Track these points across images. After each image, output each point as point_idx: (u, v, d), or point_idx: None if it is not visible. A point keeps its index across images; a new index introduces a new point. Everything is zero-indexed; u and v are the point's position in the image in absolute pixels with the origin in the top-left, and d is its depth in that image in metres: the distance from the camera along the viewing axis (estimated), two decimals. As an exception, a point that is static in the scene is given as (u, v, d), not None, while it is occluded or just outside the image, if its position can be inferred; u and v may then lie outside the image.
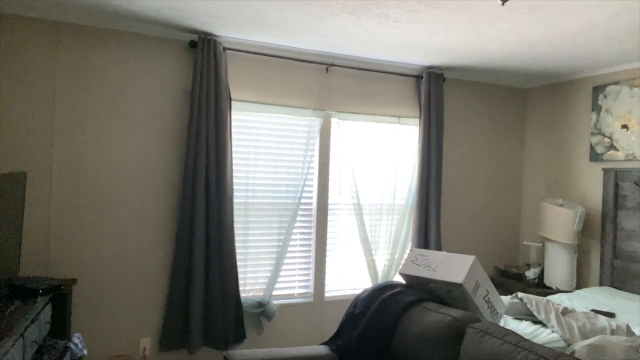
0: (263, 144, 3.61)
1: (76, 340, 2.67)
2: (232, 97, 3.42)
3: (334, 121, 3.84)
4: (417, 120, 4.07)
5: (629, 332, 2.56)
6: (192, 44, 3.30)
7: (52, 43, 3.04)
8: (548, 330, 2.64)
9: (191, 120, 3.24)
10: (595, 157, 3.93)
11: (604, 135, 3.87)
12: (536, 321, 2.76)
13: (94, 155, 3.16)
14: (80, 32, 3.11)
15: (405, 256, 2.70)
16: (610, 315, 2.92)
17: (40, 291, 2.50)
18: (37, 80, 3.02)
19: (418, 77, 4.06)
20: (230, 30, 3.22)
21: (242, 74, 3.52)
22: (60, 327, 2.80)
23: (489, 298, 2.41)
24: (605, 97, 3.87)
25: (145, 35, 3.27)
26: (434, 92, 4.00)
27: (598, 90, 3.92)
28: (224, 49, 3.35)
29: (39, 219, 3.03)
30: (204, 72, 3.26)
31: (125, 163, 3.24)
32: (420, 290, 2.41)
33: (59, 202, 3.08)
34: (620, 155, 3.73)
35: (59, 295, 2.79)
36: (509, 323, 2.75)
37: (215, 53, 3.29)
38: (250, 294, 3.56)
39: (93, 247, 3.16)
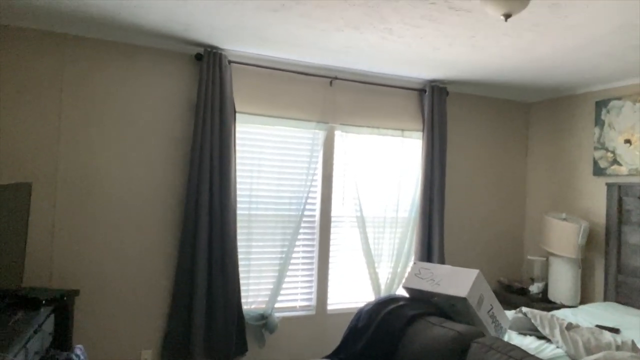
0: (267, 156, 3.63)
1: (78, 352, 2.66)
2: (237, 109, 3.45)
3: (338, 134, 3.86)
4: (420, 134, 4.09)
5: (634, 347, 2.54)
6: (198, 57, 3.34)
7: (58, 55, 3.08)
8: (553, 346, 2.62)
9: (196, 132, 3.26)
10: (598, 171, 3.93)
11: (607, 150, 3.87)
12: (540, 336, 2.74)
13: (99, 166, 3.18)
14: (86, 44, 3.15)
15: (409, 269, 2.69)
16: (615, 330, 2.90)
17: (44, 302, 2.50)
18: (44, 91, 3.05)
19: (421, 91, 4.09)
20: (235, 43, 3.25)
21: (247, 86, 3.55)
22: (63, 338, 2.79)
23: (493, 312, 2.40)
24: (608, 112, 3.88)
25: (151, 48, 3.31)
26: (437, 105, 4.02)
27: (601, 105, 3.94)
28: (229, 62, 3.39)
29: (43, 229, 3.04)
30: (209, 85, 3.29)
31: (130, 175, 3.26)
32: (424, 304, 2.40)
33: (64, 213, 3.09)
34: (623, 170, 3.74)
35: (62, 306, 2.79)
36: (513, 338, 2.73)
37: (220, 66, 3.32)
38: (252, 306, 3.55)
39: (96, 259, 3.16)
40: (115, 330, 3.20)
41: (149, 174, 3.31)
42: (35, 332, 2.26)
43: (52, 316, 2.62)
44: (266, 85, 3.61)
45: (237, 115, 3.45)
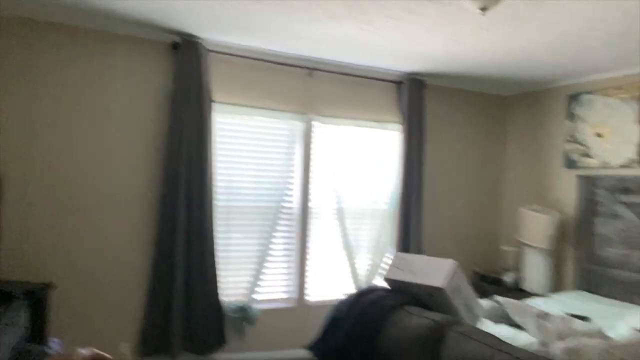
0: (245, 147, 3.60)
1: (53, 345, 2.61)
2: (215, 99, 3.41)
3: (316, 125, 3.86)
4: (399, 126, 4.12)
5: (603, 335, 2.63)
6: (175, 46, 3.28)
7: (30, 42, 2.99)
8: (525, 333, 2.69)
9: (172, 122, 3.22)
10: (570, 164, 4.04)
11: (578, 143, 3.97)
12: (514, 324, 2.81)
13: (72, 157, 3.11)
14: (59, 31, 3.06)
15: (389, 261, 2.73)
16: (586, 319, 2.99)
17: (17, 295, 2.44)
18: (14, 81, 2.96)
19: (399, 83, 4.11)
20: (213, 32, 3.21)
21: (225, 76, 3.51)
22: (38, 331, 2.74)
23: (468, 302, 2.45)
24: (580, 105, 3.98)
25: (127, 36, 3.24)
26: (415, 98, 4.05)
27: (573, 99, 4.03)
28: (207, 50, 3.34)
29: (16, 222, 2.96)
30: (186, 74, 3.24)
31: (105, 165, 3.20)
32: (402, 295, 2.43)
33: (37, 206, 3.02)
34: (594, 162, 3.84)
35: (37, 299, 2.73)
36: (488, 326, 2.79)
37: (197, 55, 3.27)
38: (231, 299, 3.54)
39: (71, 252, 3.10)
40: (92, 323, 3.15)
41: (124, 164, 3.25)
42: (9, 325, 2.21)
43: (27, 310, 2.56)
44: (244, 75, 3.57)
45: (215, 105, 3.41)
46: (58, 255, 3.07)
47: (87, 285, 3.14)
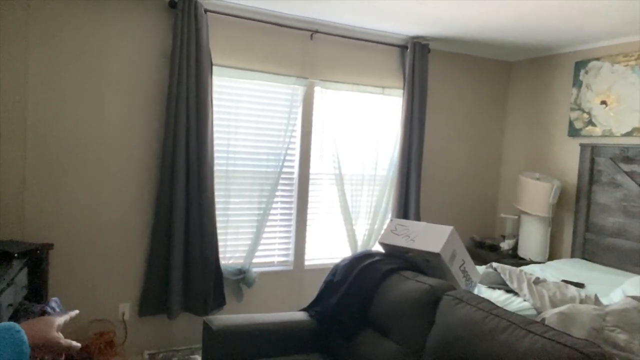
0: (245, 111, 3.55)
1: (53, 304, 2.65)
2: (214, 61, 3.34)
3: (317, 90, 3.80)
4: (400, 91, 4.05)
5: (597, 301, 2.66)
6: (172, 5, 3.19)
7: (24, 2, 2.90)
8: (520, 299, 2.73)
9: (171, 84, 3.16)
10: (573, 132, 3.99)
11: (583, 111, 3.92)
12: (509, 290, 2.84)
13: (70, 117, 3.07)
14: (54, -12, 2.97)
15: (385, 226, 2.73)
16: (580, 285, 3.02)
17: (16, 255, 2.46)
18: (9, 40, 2.89)
19: (403, 48, 4.02)
20: (212, -9, 3.11)
21: (224, 38, 3.43)
22: (37, 291, 2.78)
23: (464, 267, 2.46)
24: (586, 72, 3.90)
25: (123, -6, 3.15)
26: (418, 63, 3.97)
27: (580, 65, 3.95)
28: (206, 10, 3.25)
29: (13, 182, 2.96)
30: (184, 35, 3.16)
31: (103, 126, 3.16)
32: (398, 259, 2.44)
33: (35, 165, 3.00)
34: (597, 131, 3.80)
35: (35, 259, 2.76)
36: (483, 292, 2.83)
37: (196, 15, 3.18)
38: (230, 261, 3.57)
39: (70, 211, 3.11)
40: (92, 284, 3.19)
41: (122, 125, 3.21)
42: (8, 285, 2.23)
43: (25, 269, 2.59)
44: (245, 37, 3.49)
45: (214, 67, 3.35)
46: (57, 216, 3.07)
47: (87, 246, 3.16)
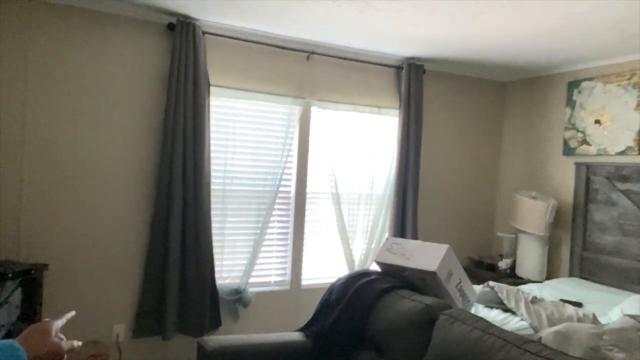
0: (242, 130, 3.58)
1: (47, 325, 2.62)
2: (211, 82, 3.38)
3: (314, 110, 3.83)
4: (397, 111, 4.09)
5: (595, 320, 2.64)
6: (171, 27, 3.24)
7: (24, 22, 2.95)
8: (517, 318, 2.70)
9: (168, 105, 3.19)
10: (568, 151, 4.02)
11: (577, 130, 3.95)
12: (506, 309, 2.82)
13: (68, 138, 3.09)
14: (54, 11, 3.02)
15: (382, 245, 2.73)
16: (578, 304, 3.01)
17: (10, 275, 2.45)
18: (9, 59, 2.93)
19: (398, 68, 4.08)
20: (210, 14, 3.17)
21: (222, 59, 3.47)
22: (31, 311, 2.75)
23: (461, 286, 2.45)
24: (579, 92, 3.94)
25: (122, 16, 3.20)
26: (414, 83, 4.02)
27: (573, 85, 4.00)
28: (204, 33, 3.31)
29: (10, 202, 2.96)
30: (182, 56, 3.21)
31: (100, 147, 3.18)
32: (394, 278, 2.43)
33: (31, 185, 3.01)
34: (592, 149, 3.82)
35: (30, 279, 2.74)
36: (480, 311, 2.81)
37: (194, 37, 3.23)
38: (226, 281, 3.55)
39: (66, 232, 3.10)
40: (86, 304, 3.16)
41: (119, 145, 3.23)
42: (2, 305, 2.22)
43: (19, 290, 2.57)
44: (242, 58, 3.54)
45: (212, 88, 3.39)
46: (52, 235, 3.06)
47: (82, 266, 3.15)
